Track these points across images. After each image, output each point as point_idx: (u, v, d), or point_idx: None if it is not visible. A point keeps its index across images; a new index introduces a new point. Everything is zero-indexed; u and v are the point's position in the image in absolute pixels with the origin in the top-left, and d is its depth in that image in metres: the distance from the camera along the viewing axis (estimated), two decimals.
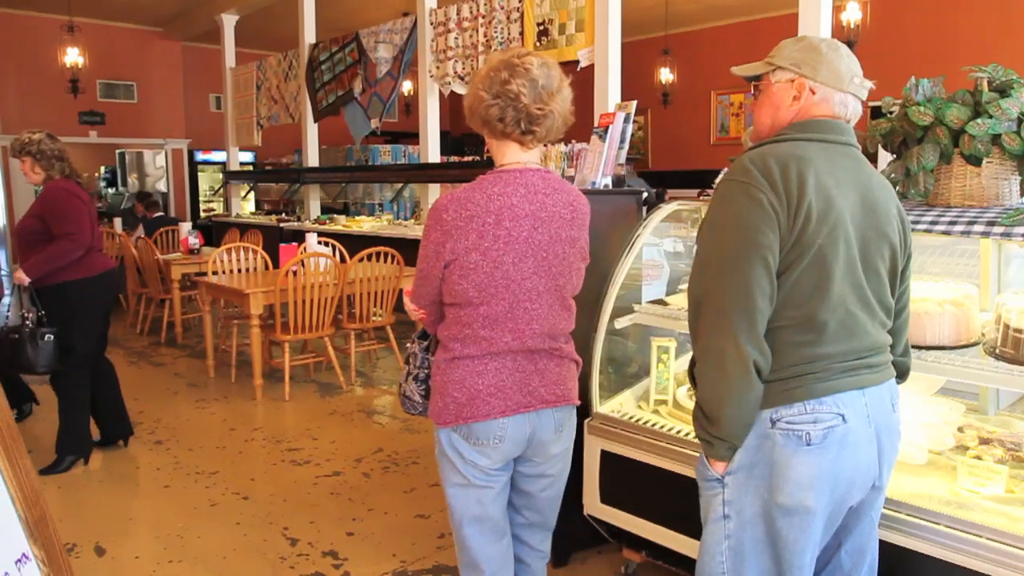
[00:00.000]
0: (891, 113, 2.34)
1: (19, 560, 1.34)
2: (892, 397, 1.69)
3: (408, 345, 2.10)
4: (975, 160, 2.12)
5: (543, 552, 2.12)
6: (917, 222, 2.14)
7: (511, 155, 1.85)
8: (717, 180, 1.74)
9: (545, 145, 1.98)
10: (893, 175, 2.27)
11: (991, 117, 2.06)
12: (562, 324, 1.90)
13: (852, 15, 7.58)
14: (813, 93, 1.65)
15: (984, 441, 2.29)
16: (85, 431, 4.04)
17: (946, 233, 2.07)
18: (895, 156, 2.34)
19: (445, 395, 1.85)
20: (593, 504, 2.75)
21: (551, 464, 1.97)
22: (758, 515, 1.60)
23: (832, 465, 1.55)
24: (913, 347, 2.16)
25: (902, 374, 1.81)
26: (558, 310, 1.88)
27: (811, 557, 1.62)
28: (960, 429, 2.37)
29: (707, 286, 1.57)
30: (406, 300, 2.00)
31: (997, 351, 2.07)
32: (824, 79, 1.64)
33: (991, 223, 2.02)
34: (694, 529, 2.49)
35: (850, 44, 7.44)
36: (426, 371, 2.01)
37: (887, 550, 2.06)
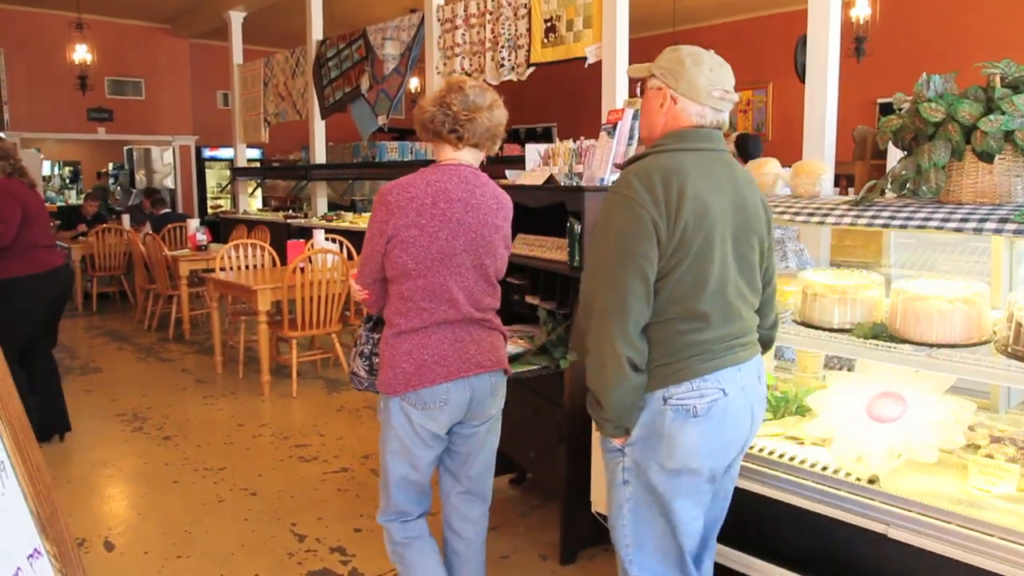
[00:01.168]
0: (902, 109, 2.32)
1: (31, 555, 1.35)
2: (759, 370, 1.91)
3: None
4: (987, 157, 2.10)
5: (482, 527, 2.36)
6: (928, 219, 2.13)
7: (446, 153, 2.16)
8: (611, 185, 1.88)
9: (486, 152, 2.23)
10: (904, 172, 2.26)
11: (1004, 113, 2.04)
12: (487, 300, 2.17)
13: (862, 11, 7.54)
14: (675, 102, 1.82)
15: (995, 440, 2.27)
16: None
17: (958, 230, 2.06)
18: (906, 153, 2.32)
19: (395, 366, 2.08)
20: (601, 501, 2.75)
21: (485, 426, 2.25)
22: (654, 481, 1.82)
23: (715, 433, 1.79)
24: (924, 345, 2.16)
25: (766, 345, 2.04)
26: (483, 286, 2.15)
27: (700, 513, 1.87)
28: (971, 427, 2.36)
29: (592, 289, 1.77)
30: (351, 283, 2.25)
31: (1009, 349, 2.06)
32: (683, 91, 1.80)
33: (1003, 220, 2.01)
34: None
35: (859, 40, 7.41)
36: (369, 348, 2.26)
37: (901, 549, 2.06)
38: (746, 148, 3.92)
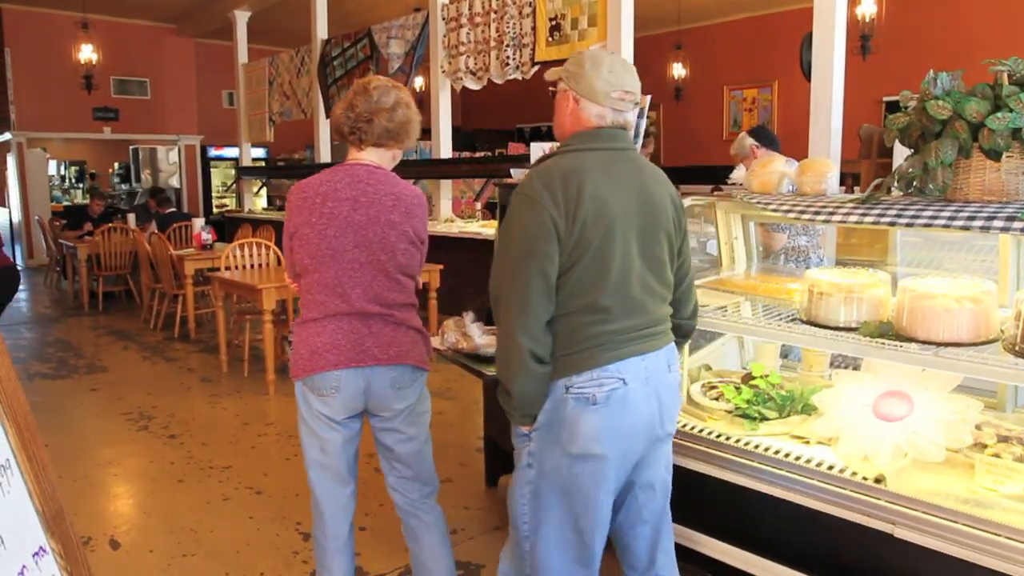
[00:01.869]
0: (908, 107, 2.31)
1: (36, 553, 1.35)
2: (669, 360, 1.97)
3: None
4: (995, 154, 2.09)
5: (431, 505, 2.39)
6: (935, 217, 2.12)
7: (351, 155, 2.25)
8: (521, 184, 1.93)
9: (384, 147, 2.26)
10: (911, 170, 2.25)
11: (1012, 111, 2.03)
12: (390, 295, 2.21)
13: (867, 8, 7.50)
14: (577, 104, 1.89)
15: (1002, 439, 2.26)
16: None
17: (965, 228, 2.05)
18: (912, 151, 2.31)
19: (296, 352, 2.22)
20: None
21: (398, 420, 2.28)
22: (557, 465, 1.88)
23: (614, 420, 1.84)
24: (930, 343, 2.15)
25: (686, 334, 2.15)
26: (383, 281, 2.19)
27: (605, 499, 1.90)
28: (978, 426, 2.34)
29: (498, 286, 1.86)
30: (286, 275, 2.39)
31: (1016, 348, 2.05)
32: (584, 92, 1.87)
33: (1011, 218, 2.00)
34: (706, 525, 2.49)
35: (865, 38, 7.38)
36: None
37: (907, 548, 2.05)
38: (768, 137, 3.92)
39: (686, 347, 2.76)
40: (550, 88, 2.03)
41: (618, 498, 1.99)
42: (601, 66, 1.87)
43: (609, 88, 1.86)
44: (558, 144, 1.99)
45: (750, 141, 3.94)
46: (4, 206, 13.48)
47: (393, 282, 2.22)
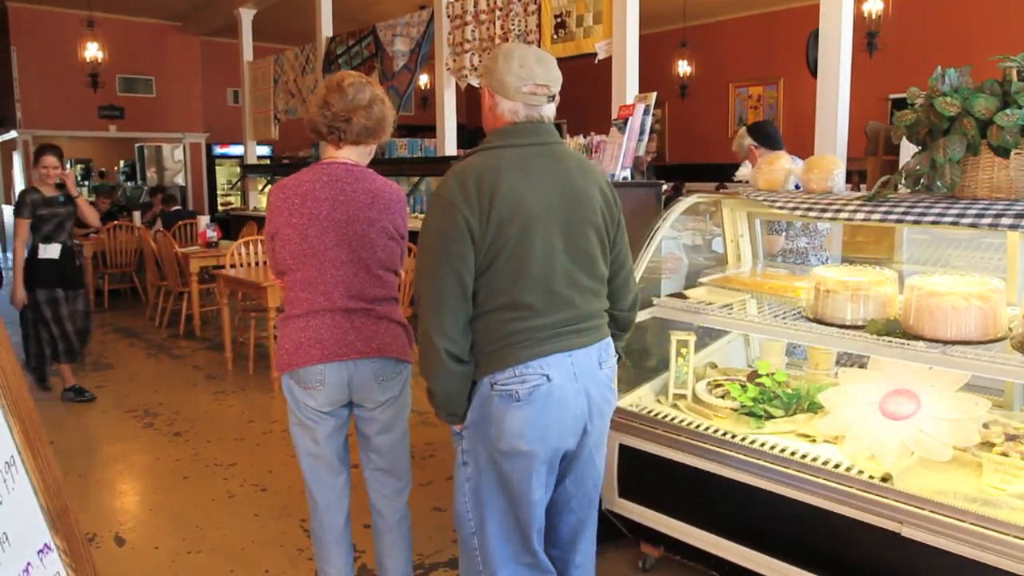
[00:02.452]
0: (916, 104, 2.29)
1: (41, 550, 1.35)
2: (600, 355, 1.96)
3: None
4: (1003, 151, 2.07)
5: (399, 506, 2.42)
6: (943, 215, 2.10)
7: (328, 153, 2.25)
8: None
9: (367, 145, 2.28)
10: (918, 167, 2.23)
11: (1020, 107, 2.01)
12: (372, 291, 2.23)
13: (874, 5, 7.47)
14: (493, 99, 1.89)
15: (1011, 437, 2.25)
16: None
17: (973, 226, 2.03)
18: (920, 148, 2.30)
19: (280, 347, 2.25)
20: (611, 499, 2.74)
21: (381, 410, 2.30)
22: (489, 461, 1.91)
23: (539, 416, 1.84)
24: (938, 341, 2.14)
25: (624, 327, 2.11)
26: (364, 277, 2.21)
27: (539, 493, 1.92)
28: (986, 425, 2.33)
29: (417, 287, 1.88)
30: (270, 273, 2.41)
31: None
32: (496, 88, 1.87)
33: (1020, 215, 1.98)
34: (713, 524, 2.48)
35: (871, 35, 7.35)
36: None
37: (915, 547, 2.04)
38: (767, 135, 3.82)
39: (687, 350, 2.75)
40: (476, 93, 2.05)
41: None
42: (512, 60, 1.85)
43: (520, 83, 1.84)
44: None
45: (748, 142, 3.88)
46: (10, 203, 13.51)
47: (374, 278, 2.24)
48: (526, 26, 6.31)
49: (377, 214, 2.22)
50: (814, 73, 5.22)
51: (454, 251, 1.79)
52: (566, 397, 1.88)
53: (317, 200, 2.17)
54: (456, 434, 2.00)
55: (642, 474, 2.66)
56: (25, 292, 4.79)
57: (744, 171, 3.82)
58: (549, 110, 1.92)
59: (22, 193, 4.79)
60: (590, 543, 2.19)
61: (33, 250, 4.77)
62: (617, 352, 2.10)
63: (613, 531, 2.84)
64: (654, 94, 3.10)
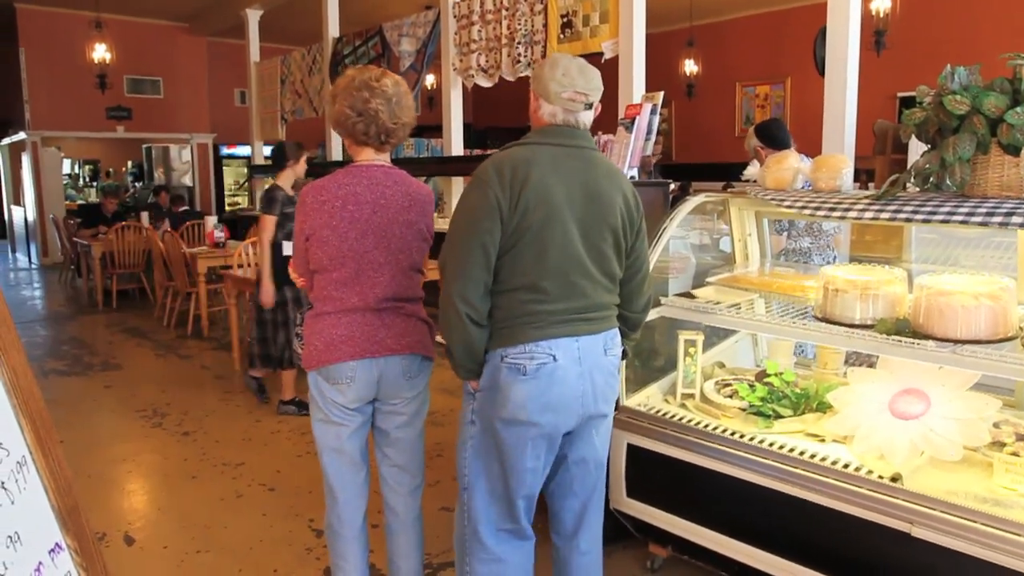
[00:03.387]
0: (925, 102, 2.28)
1: (52, 550, 1.35)
2: (606, 344, 2.10)
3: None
4: (1014, 150, 2.06)
5: (414, 504, 2.43)
6: (952, 213, 2.09)
7: (366, 155, 2.26)
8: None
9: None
10: (928, 166, 2.22)
11: None
12: (404, 291, 2.27)
13: (882, 3, 7.44)
14: (537, 102, 2.07)
15: (1021, 437, 2.24)
16: None
17: (983, 224, 2.02)
18: (929, 146, 2.28)
19: (309, 344, 2.26)
20: (619, 498, 2.74)
21: (405, 404, 2.34)
22: (490, 427, 2.06)
23: (542, 391, 1.99)
24: (947, 340, 2.13)
25: (633, 326, 2.24)
26: (399, 278, 2.26)
27: (532, 465, 2.06)
28: (996, 425, 2.32)
29: (444, 255, 2.02)
30: (291, 270, 2.43)
31: None
32: (541, 93, 2.05)
33: None
34: (721, 524, 2.47)
35: (879, 33, 7.32)
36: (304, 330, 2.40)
37: (925, 547, 2.03)
38: (772, 136, 3.81)
39: (698, 348, 2.75)
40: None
41: (552, 469, 2.16)
42: (556, 68, 2.03)
43: (560, 89, 2.02)
44: None
45: (755, 142, 3.88)
46: (19, 205, 13.58)
47: (407, 278, 2.28)
48: (533, 26, 6.31)
49: (415, 216, 2.27)
50: (822, 72, 5.20)
51: (484, 226, 1.94)
52: (569, 377, 2.01)
53: (359, 204, 2.19)
54: (469, 394, 2.14)
55: (650, 473, 2.66)
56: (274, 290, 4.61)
57: (752, 170, 3.81)
58: (586, 117, 2.08)
59: (271, 190, 4.64)
60: (594, 530, 2.26)
61: (277, 248, 4.59)
62: (624, 350, 2.21)
63: (621, 531, 2.83)
64: (661, 93, 3.09)
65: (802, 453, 2.36)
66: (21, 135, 12.10)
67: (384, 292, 2.23)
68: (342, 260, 2.20)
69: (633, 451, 2.68)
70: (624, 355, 2.22)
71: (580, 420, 2.08)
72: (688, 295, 2.88)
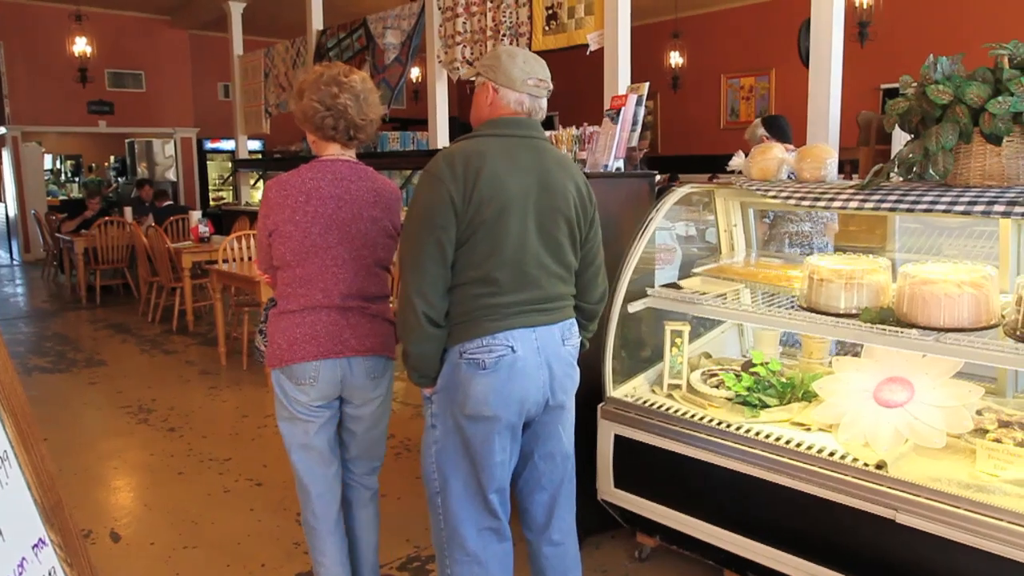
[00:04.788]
0: (908, 92, 2.29)
1: (36, 545, 1.34)
2: (564, 334, 2.10)
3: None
4: (995, 139, 2.08)
5: (369, 485, 2.48)
6: (935, 202, 2.11)
7: (332, 150, 2.25)
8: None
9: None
10: (911, 155, 2.24)
11: (1012, 95, 2.01)
12: (369, 288, 2.25)
13: None
14: (496, 92, 2.05)
15: (1003, 424, 2.26)
16: None
17: (965, 213, 2.04)
18: (912, 136, 2.30)
19: (272, 343, 2.24)
20: (607, 489, 2.75)
21: (368, 407, 2.33)
22: (455, 425, 2.05)
23: (503, 384, 1.98)
24: (931, 329, 2.15)
25: (590, 317, 2.24)
26: (364, 276, 2.23)
27: (500, 458, 2.05)
28: (979, 412, 2.34)
29: (401, 253, 2.02)
30: (254, 266, 2.33)
31: (1017, 333, 2.05)
32: (502, 81, 2.04)
33: (1012, 203, 1.99)
34: (708, 513, 2.49)
35: (863, 25, 7.35)
36: (267, 326, 2.38)
37: (909, 534, 2.05)
38: (780, 128, 3.93)
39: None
40: (468, 86, 2.15)
41: (519, 466, 2.17)
42: (516, 57, 2.05)
43: (525, 76, 2.03)
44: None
45: (761, 131, 3.93)
46: (1, 201, 13.44)
47: (372, 275, 2.27)
48: (517, 18, 6.29)
49: (380, 213, 2.24)
50: (806, 63, 5.23)
51: (438, 221, 1.93)
52: (528, 368, 2.01)
53: (322, 199, 2.17)
54: (426, 398, 2.12)
55: (637, 464, 2.67)
56: None
57: (737, 161, 3.82)
58: (545, 104, 2.10)
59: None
60: (566, 521, 2.26)
61: None
62: (582, 341, 2.22)
63: (609, 521, 2.85)
64: (646, 84, 3.09)
65: (788, 442, 2.38)
66: (1, 130, 11.96)
67: (348, 289, 2.21)
68: (305, 256, 2.18)
69: (620, 441, 2.69)
70: (582, 346, 2.21)
71: (540, 411, 2.09)
72: (674, 286, 2.88)
